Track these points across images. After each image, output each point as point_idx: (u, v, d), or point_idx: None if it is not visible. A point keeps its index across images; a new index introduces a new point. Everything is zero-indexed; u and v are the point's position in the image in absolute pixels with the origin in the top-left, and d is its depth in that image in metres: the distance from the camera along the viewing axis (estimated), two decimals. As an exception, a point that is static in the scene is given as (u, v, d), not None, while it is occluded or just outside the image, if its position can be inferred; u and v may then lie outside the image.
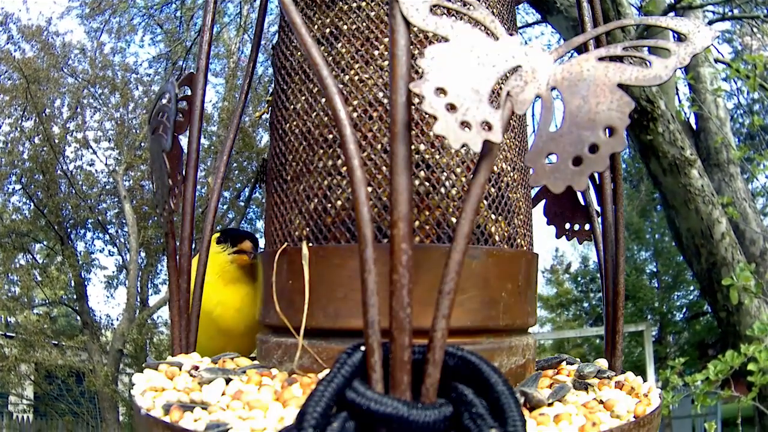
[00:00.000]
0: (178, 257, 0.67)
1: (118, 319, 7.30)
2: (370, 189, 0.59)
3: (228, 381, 0.54)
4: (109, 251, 7.82)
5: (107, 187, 7.27)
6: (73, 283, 7.20)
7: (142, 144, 6.78)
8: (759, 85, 3.14)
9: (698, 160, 3.44)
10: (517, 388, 0.55)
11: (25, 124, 6.88)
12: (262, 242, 0.75)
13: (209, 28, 0.68)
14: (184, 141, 0.66)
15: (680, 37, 0.49)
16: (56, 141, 6.80)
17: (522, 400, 0.53)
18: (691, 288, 11.42)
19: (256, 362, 0.64)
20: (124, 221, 7.01)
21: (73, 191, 7.06)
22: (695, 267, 3.62)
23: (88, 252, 7.65)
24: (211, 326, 0.72)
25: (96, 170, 7.32)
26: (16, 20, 6.90)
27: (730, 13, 5.15)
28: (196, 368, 0.58)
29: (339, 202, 0.61)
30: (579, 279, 13.81)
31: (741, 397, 2.62)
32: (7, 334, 7.06)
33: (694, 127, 5.01)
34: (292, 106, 0.66)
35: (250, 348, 0.89)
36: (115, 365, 6.60)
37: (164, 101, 0.66)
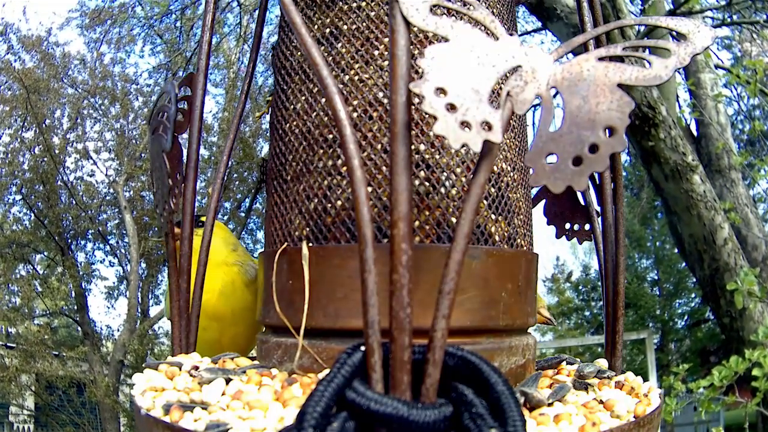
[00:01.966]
0: (178, 257, 0.67)
1: (118, 330, 7.30)
2: (370, 189, 0.59)
3: (228, 381, 0.54)
4: (110, 262, 7.83)
5: (107, 197, 7.27)
6: (73, 294, 7.20)
7: (143, 155, 6.79)
8: (759, 91, 3.15)
9: (700, 165, 3.44)
10: (517, 388, 0.55)
11: (25, 135, 6.89)
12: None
13: (209, 28, 0.69)
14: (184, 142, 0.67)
15: (680, 38, 0.49)
16: (56, 151, 6.81)
17: (522, 400, 0.53)
18: (693, 295, 11.43)
19: (256, 362, 0.63)
20: (124, 232, 7.01)
21: (74, 202, 7.06)
22: (698, 273, 3.62)
23: (88, 263, 7.64)
24: (202, 315, 0.72)
25: (96, 181, 7.35)
26: (16, 30, 6.93)
27: (729, 19, 5.16)
28: (196, 368, 0.58)
29: (339, 202, 0.60)
30: (580, 288, 13.80)
31: (746, 402, 2.61)
32: (8, 344, 7.04)
33: (695, 133, 5.02)
34: (292, 106, 0.66)
35: (248, 339, 0.89)
36: (116, 376, 6.59)
37: (164, 101, 0.66)
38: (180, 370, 0.58)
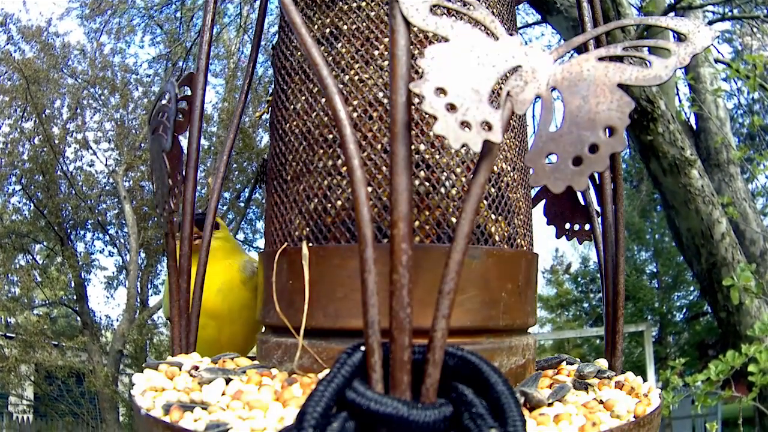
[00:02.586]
0: (178, 257, 0.67)
1: (118, 320, 7.31)
2: (370, 189, 0.59)
3: (228, 381, 0.54)
4: (109, 252, 7.85)
5: (107, 187, 7.27)
6: (73, 284, 7.20)
7: (142, 145, 6.78)
8: (759, 85, 3.14)
9: (698, 160, 3.44)
10: (517, 388, 0.55)
11: (25, 125, 6.88)
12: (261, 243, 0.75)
13: (209, 28, 0.68)
14: (184, 141, 0.66)
15: (680, 37, 0.49)
16: (56, 142, 6.80)
17: (522, 400, 0.53)
18: (691, 288, 11.43)
19: (256, 362, 0.63)
20: (124, 222, 7.01)
21: (73, 192, 7.06)
22: (695, 267, 3.62)
23: (88, 253, 7.65)
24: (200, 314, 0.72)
25: (96, 171, 7.34)
26: (15, 21, 6.91)
27: (730, 13, 5.16)
28: (196, 368, 0.58)
29: (339, 202, 0.60)
30: (579, 279, 13.79)
31: (742, 397, 2.62)
32: (7, 334, 7.05)
33: (694, 127, 5.02)
34: (292, 106, 0.66)
35: (246, 337, 0.89)
36: (115, 366, 6.60)
37: (164, 101, 0.66)
38: (180, 370, 0.58)
